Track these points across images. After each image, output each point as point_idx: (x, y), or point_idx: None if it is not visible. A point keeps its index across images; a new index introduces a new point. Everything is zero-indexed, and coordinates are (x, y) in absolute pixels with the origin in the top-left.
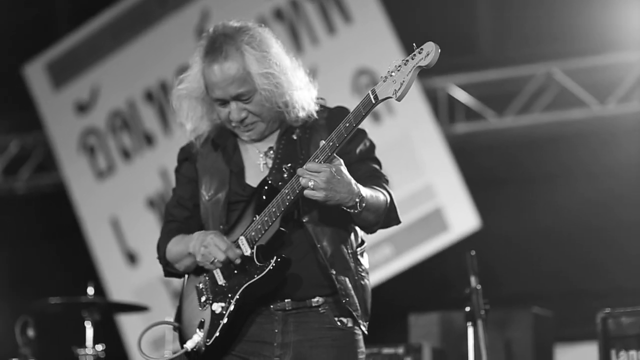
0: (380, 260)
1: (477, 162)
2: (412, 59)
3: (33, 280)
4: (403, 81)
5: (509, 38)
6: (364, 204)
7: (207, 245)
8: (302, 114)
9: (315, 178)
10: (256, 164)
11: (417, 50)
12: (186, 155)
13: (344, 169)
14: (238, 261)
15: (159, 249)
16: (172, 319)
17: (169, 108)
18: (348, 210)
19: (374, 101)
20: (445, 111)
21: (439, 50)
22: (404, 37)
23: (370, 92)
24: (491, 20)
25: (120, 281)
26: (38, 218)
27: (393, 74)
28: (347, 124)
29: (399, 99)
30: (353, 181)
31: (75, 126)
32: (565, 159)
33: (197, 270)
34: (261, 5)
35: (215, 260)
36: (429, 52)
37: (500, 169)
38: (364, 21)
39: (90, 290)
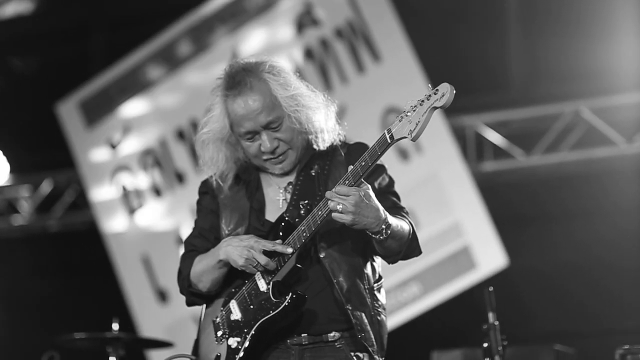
0: (409, 298)
1: (504, 200)
2: (428, 100)
3: (62, 316)
4: (418, 121)
5: (536, 77)
6: (389, 231)
7: (250, 248)
8: (327, 136)
9: (343, 201)
10: (276, 199)
11: (433, 91)
12: (207, 189)
13: (372, 194)
14: (290, 253)
15: (180, 273)
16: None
17: None
18: (373, 236)
19: (389, 141)
20: (473, 149)
21: (454, 92)
22: (433, 75)
23: (385, 131)
24: (519, 59)
25: (151, 318)
26: (70, 256)
27: (409, 114)
28: (363, 163)
29: (414, 139)
30: (381, 207)
31: (107, 164)
32: (593, 197)
33: (219, 295)
34: (292, 45)
35: (259, 264)
36: (444, 93)
37: (527, 207)
38: (392, 60)
39: (115, 326)
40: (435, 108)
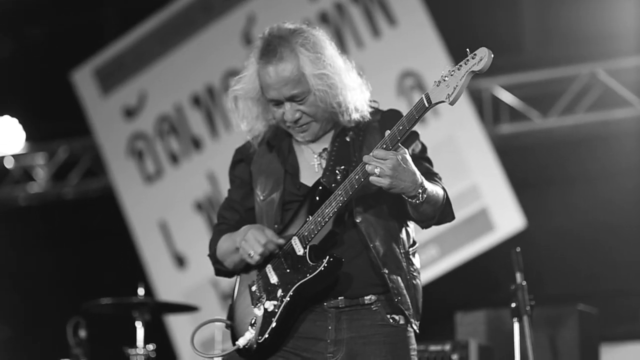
0: (427, 260)
1: (521, 163)
2: (466, 64)
3: (79, 283)
4: (456, 85)
5: (552, 39)
6: (425, 195)
7: (247, 240)
8: (355, 115)
9: (381, 165)
10: (311, 164)
11: (471, 55)
12: (241, 157)
13: (409, 158)
14: (276, 251)
15: (210, 248)
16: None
17: (216, 112)
18: (409, 200)
19: (427, 105)
20: (489, 112)
21: (492, 56)
22: (448, 39)
23: (423, 96)
24: (535, 21)
25: (169, 284)
26: (86, 222)
27: (446, 78)
28: (401, 127)
29: (451, 103)
30: (417, 172)
31: (124, 131)
32: (609, 158)
33: (249, 268)
34: (306, 9)
35: (252, 254)
36: (482, 58)
37: (544, 169)
38: (408, 24)
39: (141, 291)
40: (474, 72)
